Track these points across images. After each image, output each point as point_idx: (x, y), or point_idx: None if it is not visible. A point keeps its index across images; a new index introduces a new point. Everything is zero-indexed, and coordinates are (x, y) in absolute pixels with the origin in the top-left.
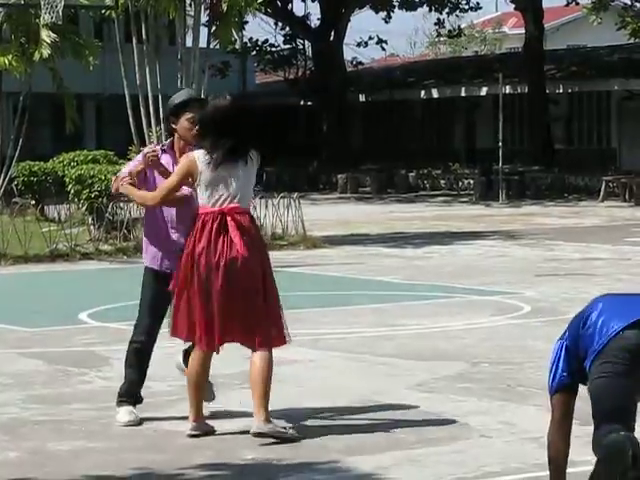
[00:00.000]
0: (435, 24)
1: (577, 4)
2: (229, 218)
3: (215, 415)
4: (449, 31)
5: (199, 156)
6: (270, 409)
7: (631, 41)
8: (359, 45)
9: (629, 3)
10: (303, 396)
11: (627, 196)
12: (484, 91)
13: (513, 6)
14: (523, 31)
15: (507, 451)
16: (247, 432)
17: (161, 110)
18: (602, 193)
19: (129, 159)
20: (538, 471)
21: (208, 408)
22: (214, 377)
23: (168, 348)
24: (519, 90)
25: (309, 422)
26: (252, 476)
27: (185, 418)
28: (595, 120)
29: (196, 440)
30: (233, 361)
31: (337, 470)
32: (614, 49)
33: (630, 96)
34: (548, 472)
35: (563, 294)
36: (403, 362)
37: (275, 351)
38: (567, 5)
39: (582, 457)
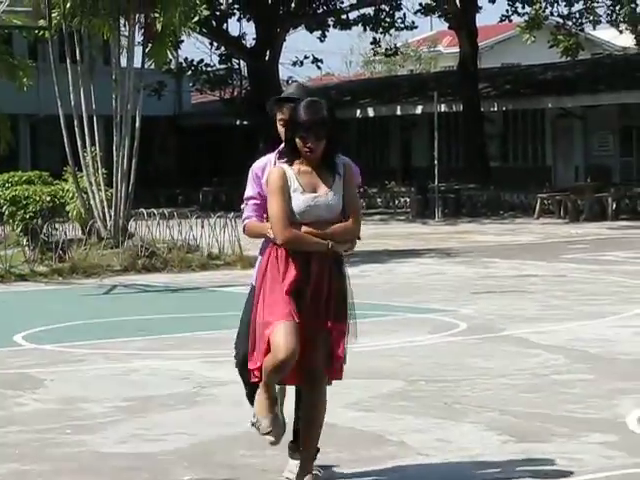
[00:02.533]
0: (371, 43)
1: (510, 21)
2: None
3: (148, 437)
4: (385, 50)
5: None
6: (204, 431)
7: (563, 59)
8: (294, 64)
9: (561, 22)
10: (240, 416)
11: (562, 213)
12: (419, 109)
13: (448, 25)
14: (458, 50)
15: (445, 469)
16: (182, 452)
17: (96, 131)
18: (537, 210)
19: (64, 180)
20: None
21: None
22: (151, 398)
23: (101, 369)
24: (454, 108)
25: (246, 443)
26: None
27: (121, 439)
28: (530, 138)
29: (131, 462)
30: (168, 382)
31: None
32: (547, 67)
33: (564, 114)
34: None
35: (499, 311)
36: (339, 380)
37: (211, 372)
38: (500, 22)
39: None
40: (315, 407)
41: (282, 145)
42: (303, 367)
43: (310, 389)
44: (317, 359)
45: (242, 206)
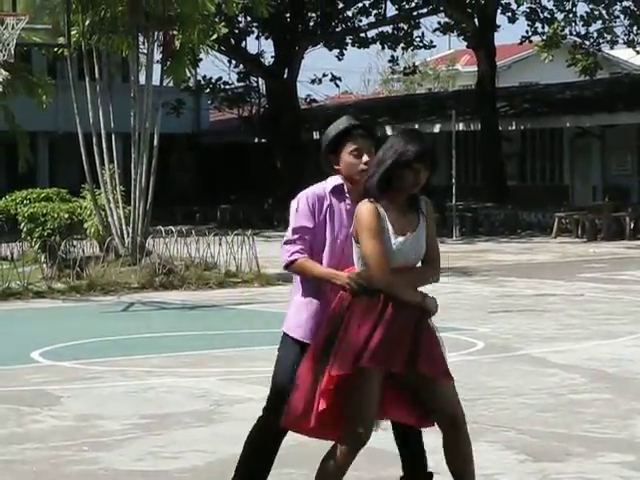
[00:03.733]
0: (389, 61)
1: (530, 42)
2: None
3: (165, 455)
4: (404, 68)
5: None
6: (220, 449)
7: (582, 78)
8: (313, 82)
9: (579, 41)
10: None
11: (579, 232)
12: (437, 128)
13: (466, 44)
14: (476, 69)
15: None
16: (199, 470)
17: (114, 148)
18: (555, 229)
19: (82, 197)
20: None
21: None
22: (168, 416)
23: (118, 387)
24: (472, 127)
25: None
26: None
27: (138, 457)
28: (548, 157)
29: (148, 479)
30: (185, 399)
31: None
32: (566, 86)
33: (582, 133)
34: None
35: (516, 330)
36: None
37: (228, 389)
38: (520, 43)
39: None
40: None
41: (334, 178)
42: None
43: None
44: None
45: (288, 235)
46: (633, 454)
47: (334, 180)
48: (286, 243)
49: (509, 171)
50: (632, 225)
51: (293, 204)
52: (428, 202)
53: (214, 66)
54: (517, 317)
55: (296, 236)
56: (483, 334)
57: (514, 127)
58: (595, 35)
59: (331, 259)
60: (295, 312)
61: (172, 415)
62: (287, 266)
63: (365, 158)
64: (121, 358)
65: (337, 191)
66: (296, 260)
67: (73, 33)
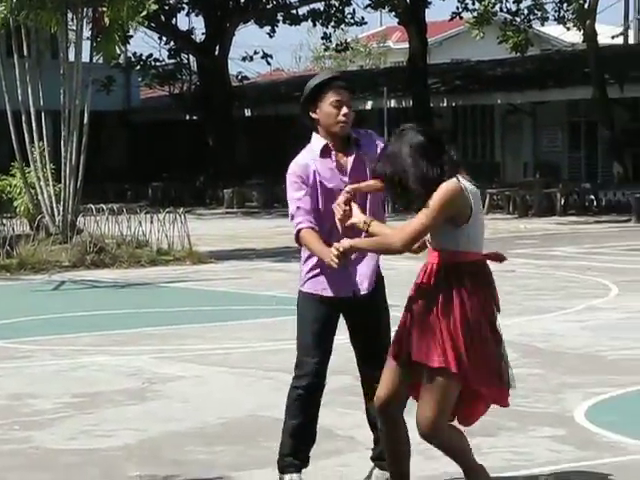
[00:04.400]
0: (322, 38)
1: (461, 18)
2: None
3: (97, 433)
4: (336, 45)
5: (469, 186)
6: (152, 427)
7: (513, 55)
8: (244, 60)
9: (510, 18)
10: (188, 411)
11: (511, 208)
12: (369, 105)
13: (397, 20)
14: (407, 45)
15: None
16: (131, 448)
17: (44, 125)
18: (486, 205)
19: (12, 175)
20: None
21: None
22: (100, 394)
23: (49, 365)
24: (404, 104)
25: (194, 438)
26: None
27: (70, 435)
28: (479, 133)
29: (80, 458)
30: (117, 378)
31: None
32: (497, 63)
33: (513, 109)
34: None
35: None
36: (289, 376)
37: (160, 367)
38: (451, 20)
39: None
40: None
41: (317, 140)
42: None
43: None
44: None
45: (290, 210)
46: (563, 428)
47: (318, 142)
48: (292, 218)
49: None
50: (563, 201)
51: (287, 178)
52: None
53: (144, 43)
54: None
55: (294, 208)
56: None
57: (445, 104)
58: (526, 12)
59: (325, 222)
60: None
61: (104, 393)
62: (297, 239)
63: (345, 110)
64: (52, 337)
65: (323, 152)
66: (300, 231)
67: (1, 10)
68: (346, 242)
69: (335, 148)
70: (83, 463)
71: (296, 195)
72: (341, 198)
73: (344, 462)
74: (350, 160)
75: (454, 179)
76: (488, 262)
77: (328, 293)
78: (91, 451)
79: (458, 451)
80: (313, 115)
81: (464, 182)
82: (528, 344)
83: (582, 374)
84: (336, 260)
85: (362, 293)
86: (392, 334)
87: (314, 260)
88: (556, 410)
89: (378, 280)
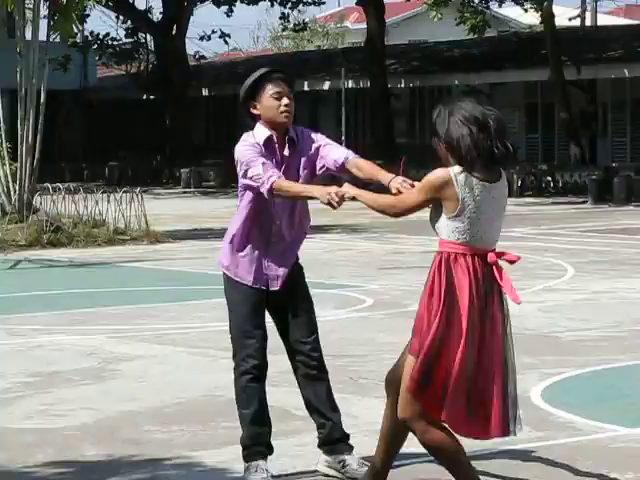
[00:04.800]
0: (280, 18)
1: None
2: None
3: (54, 412)
4: (294, 25)
5: (463, 179)
6: (109, 406)
7: (470, 36)
8: (202, 39)
9: None
10: (146, 391)
11: None
12: (327, 85)
13: (355, 1)
14: (365, 26)
15: (350, 443)
16: (88, 427)
17: (0, 104)
18: None
19: None
20: None
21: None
22: (57, 374)
23: (5, 345)
24: (361, 84)
25: (151, 418)
26: (95, 473)
27: (27, 414)
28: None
29: (37, 437)
30: (74, 357)
31: (180, 466)
32: (454, 44)
33: (470, 91)
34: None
35: (405, 287)
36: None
37: (117, 347)
38: (408, 0)
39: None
40: None
41: (260, 130)
42: None
43: None
44: None
45: (252, 172)
46: (522, 408)
47: (262, 133)
48: (253, 178)
49: (398, 128)
50: (520, 182)
51: (236, 154)
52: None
53: (102, 22)
54: (407, 274)
55: (259, 165)
56: (372, 291)
57: (403, 84)
58: None
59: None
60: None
61: (61, 373)
62: (271, 191)
63: (285, 100)
64: (8, 316)
65: (266, 143)
66: (274, 182)
67: None
68: (351, 190)
69: (278, 142)
70: (40, 442)
71: (256, 157)
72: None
73: (302, 442)
74: (286, 154)
75: (449, 168)
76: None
77: (247, 280)
78: (48, 430)
79: (438, 450)
80: (254, 111)
81: (457, 173)
82: None
83: (538, 355)
84: (336, 199)
85: (273, 289)
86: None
87: (237, 244)
88: None
89: (296, 273)
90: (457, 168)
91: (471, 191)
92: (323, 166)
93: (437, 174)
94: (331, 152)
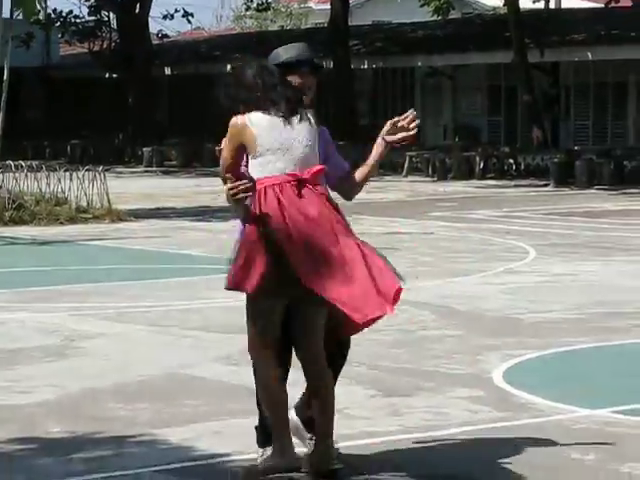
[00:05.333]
0: None
1: None
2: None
3: (17, 389)
4: (257, 5)
5: (251, 118)
6: (72, 383)
7: (434, 18)
8: (165, 18)
9: None
10: (109, 369)
11: (430, 171)
12: None
13: None
14: (329, 6)
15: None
16: (51, 404)
17: None
18: (405, 168)
19: None
20: (342, 441)
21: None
22: (19, 351)
23: None
24: (325, 65)
25: (114, 395)
26: (59, 450)
27: None
28: (399, 96)
29: (0, 414)
30: (36, 334)
31: (144, 443)
32: (418, 26)
33: (433, 73)
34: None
35: None
36: (210, 335)
37: (79, 325)
38: None
39: (385, 427)
40: None
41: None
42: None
43: None
44: None
45: None
46: (482, 389)
47: None
48: None
49: (361, 109)
50: (482, 165)
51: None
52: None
53: None
54: None
55: None
56: None
57: (366, 66)
58: None
59: None
60: None
61: (23, 350)
62: None
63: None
64: None
65: None
66: None
67: None
68: None
69: None
70: (2, 419)
71: None
72: None
73: None
74: None
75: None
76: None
77: None
78: (10, 407)
79: (259, 384)
80: None
81: (250, 116)
82: (446, 306)
83: (500, 336)
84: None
85: None
86: None
87: None
88: (474, 371)
89: None
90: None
91: (264, 127)
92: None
93: (232, 122)
94: (339, 158)
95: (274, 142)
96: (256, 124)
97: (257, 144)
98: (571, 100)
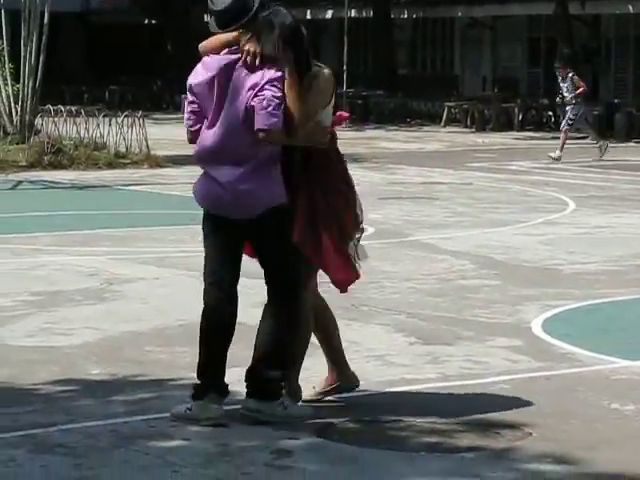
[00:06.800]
0: None
1: None
2: None
3: (57, 331)
4: None
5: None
6: (112, 326)
7: None
8: None
9: None
10: (148, 312)
11: (468, 122)
12: (329, 14)
13: None
14: None
15: (353, 368)
16: (91, 346)
17: (3, 25)
18: (444, 119)
19: None
20: (382, 387)
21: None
22: (59, 293)
23: (8, 264)
24: (364, 14)
25: (154, 339)
26: (99, 391)
27: (30, 332)
28: (439, 46)
29: (40, 355)
30: (76, 277)
31: (184, 386)
32: None
33: (473, 24)
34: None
35: (406, 217)
36: (248, 281)
37: (118, 268)
38: None
39: (425, 375)
40: None
41: None
42: None
43: None
44: None
45: None
46: (520, 339)
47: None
48: None
49: (400, 59)
50: (520, 116)
51: None
52: None
53: None
54: (407, 204)
55: None
56: (373, 220)
57: (406, 15)
58: None
59: None
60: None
61: (63, 292)
62: None
63: None
64: (10, 235)
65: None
66: None
67: None
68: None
69: None
70: (43, 360)
71: None
72: None
73: (304, 367)
74: None
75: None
76: None
77: None
78: (51, 348)
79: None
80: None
81: None
82: (485, 256)
83: (539, 287)
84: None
85: None
86: None
87: None
88: (513, 321)
89: None
90: None
91: None
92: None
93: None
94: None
95: None
96: None
97: None
98: (612, 53)
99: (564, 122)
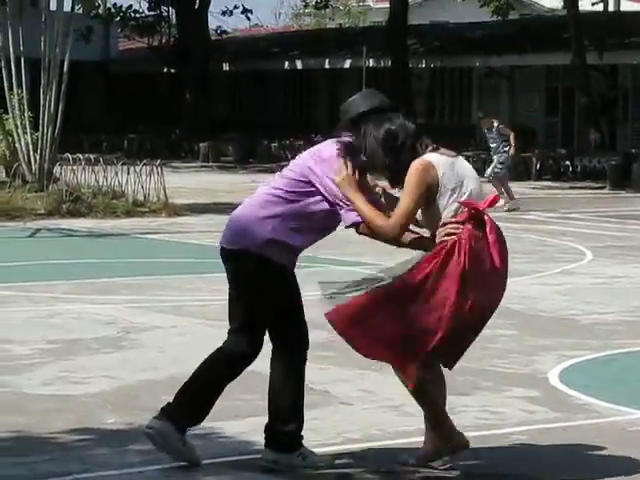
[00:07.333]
0: None
1: None
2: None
3: (73, 379)
4: (315, 2)
5: (435, 159)
6: (128, 375)
7: (493, 18)
8: (224, 14)
9: None
10: (165, 361)
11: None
12: (348, 64)
13: None
14: (387, 5)
15: (367, 419)
16: (107, 395)
17: (23, 73)
18: None
19: None
20: (397, 438)
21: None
22: (76, 342)
23: (26, 312)
24: (382, 64)
25: (170, 388)
26: (114, 440)
27: (46, 381)
28: (457, 96)
29: (56, 403)
30: (93, 326)
31: (199, 435)
32: (476, 26)
33: (491, 73)
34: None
35: None
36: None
37: (136, 317)
38: None
39: None
40: None
41: None
42: None
43: None
44: None
45: None
46: (537, 389)
47: None
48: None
49: (418, 109)
50: (538, 166)
51: None
52: None
53: None
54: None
55: None
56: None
57: (424, 65)
58: None
59: None
60: None
61: (80, 341)
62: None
63: None
64: (28, 284)
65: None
66: None
67: None
68: None
69: None
70: (59, 409)
71: None
72: None
73: (319, 416)
74: None
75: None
76: None
77: None
78: (67, 397)
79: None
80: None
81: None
82: (502, 305)
83: (556, 337)
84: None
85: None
86: None
87: None
88: (530, 371)
89: None
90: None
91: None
92: None
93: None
94: None
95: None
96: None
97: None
98: (629, 103)
99: (490, 170)
